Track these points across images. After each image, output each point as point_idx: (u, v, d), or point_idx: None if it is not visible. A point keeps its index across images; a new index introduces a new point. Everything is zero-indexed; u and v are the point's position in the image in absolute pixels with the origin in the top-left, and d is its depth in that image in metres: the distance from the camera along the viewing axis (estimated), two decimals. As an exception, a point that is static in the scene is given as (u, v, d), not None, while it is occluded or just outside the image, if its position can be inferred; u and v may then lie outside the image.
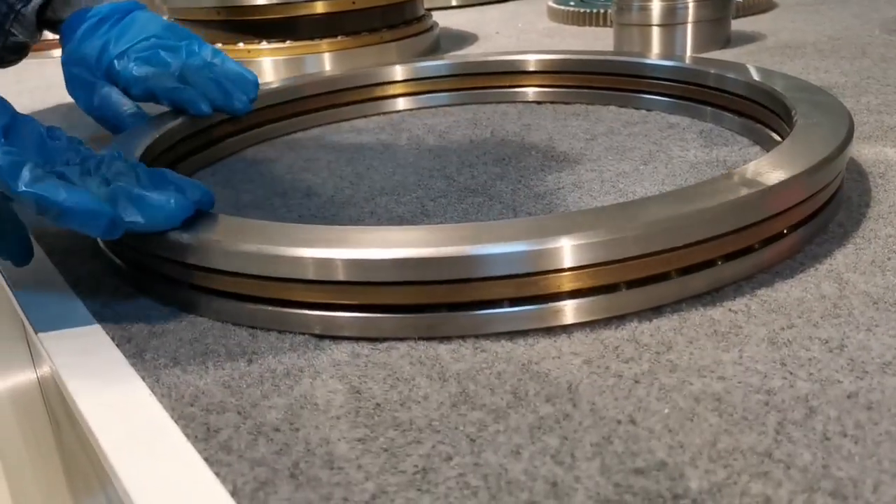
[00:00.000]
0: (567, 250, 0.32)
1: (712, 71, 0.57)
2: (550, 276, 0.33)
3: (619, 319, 0.34)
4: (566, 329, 0.33)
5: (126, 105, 0.59)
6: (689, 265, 0.34)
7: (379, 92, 0.69)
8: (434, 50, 0.94)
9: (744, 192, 0.35)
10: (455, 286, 0.33)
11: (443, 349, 0.33)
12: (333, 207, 0.49)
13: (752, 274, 0.36)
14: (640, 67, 0.63)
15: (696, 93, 0.59)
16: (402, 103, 0.69)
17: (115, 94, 0.59)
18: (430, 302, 0.33)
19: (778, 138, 0.51)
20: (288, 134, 0.65)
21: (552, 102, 0.67)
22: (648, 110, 0.63)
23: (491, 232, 0.33)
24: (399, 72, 0.69)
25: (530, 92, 0.68)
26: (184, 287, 0.37)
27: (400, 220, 0.46)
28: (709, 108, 0.58)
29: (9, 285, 0.41)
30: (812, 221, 0.39)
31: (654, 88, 0.62)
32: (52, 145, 0.36)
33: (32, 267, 0.41)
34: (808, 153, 0.39)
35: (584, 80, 0.66)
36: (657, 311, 0.34)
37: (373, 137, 0.63)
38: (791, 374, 0.29)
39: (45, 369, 0.36)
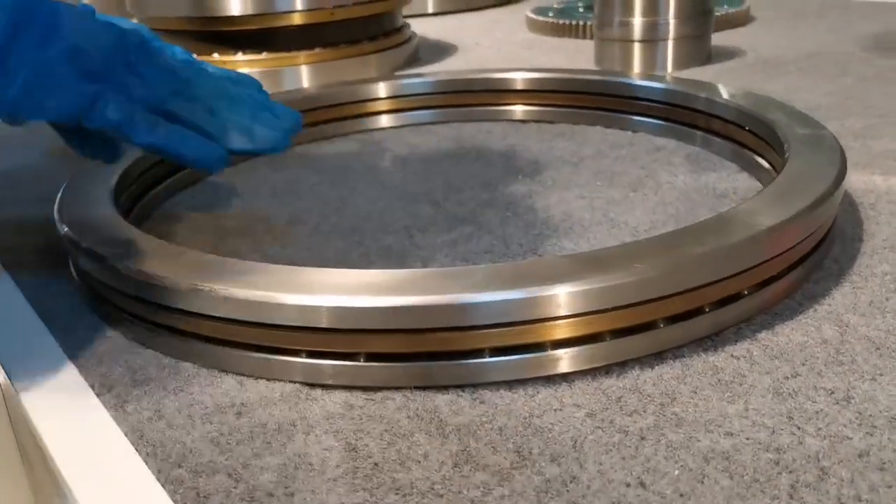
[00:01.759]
0: (563, 298, 0.31)
1: (701, 95, 0.57)
2: (547, 323, 0.32)
3: (620, 366, 0.33)
4: (566, 377, 0.32)
5: None
6: (689, 310, 0.34)
7: (360, 109, 0.67)
8: (413, 61, 0.92)
9: (743, 235, 0.34)
10: (449, 334, 0.32)
11: (440, 400, 0.31)
12: (319, 237, 0.48)
13: (753, 315, 0.36)
14: (627, 88, 0.62)
15: (683, 115, 0.59)
16: (384, 121, 0.68)
17: None
18: (423, 350, 0.32)
19: (765, 164, 0.51)
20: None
21: (537, 121, 0.66)
22: (634, 131, 0.62)
23: (484, 278, 0.32)
24: (380, 89, 0.67)
25: (515, 110, 0.67)
26: (167, 331, 0.35)
27: (388, 252, 0.45)
28: (696, 132, 0.58)
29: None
30: (810, 259, 0.38)
31: (640, 110, 0.62)
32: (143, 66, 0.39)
33: (1, 301, 0.40)
34: (804, 190, 0.38)
35: (570, 100, 0.65)
36: (659, 356, 0.33)
37: (356, 158, 0.61)
38: (799, 429, 0.29)
39: (17, 416, 0.35)
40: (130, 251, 0.37)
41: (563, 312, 0.31)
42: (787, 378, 0.31)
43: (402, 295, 0.31)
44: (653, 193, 0.50)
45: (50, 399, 0.33)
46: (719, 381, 0.32)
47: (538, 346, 0.32)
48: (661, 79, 0.61)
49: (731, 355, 0.33)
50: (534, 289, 0.31)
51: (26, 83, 0.35)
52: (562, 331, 0.32)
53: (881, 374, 0.31)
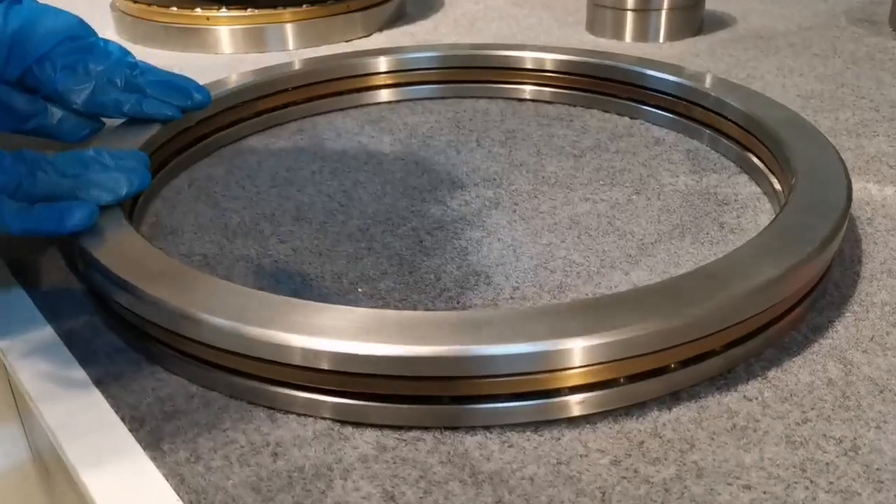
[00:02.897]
0: (577, 352, 0.32)
1: (710, 94, 0.56)
2: (563, 372, 0.33)
3: (639, 407, 0.34)
4: (588, 419, 0.34)
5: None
6: (703, 352, 0.35)
7: (355, 84, 0.66)
8: (400, 16, 0.90)
9: (753, 284, 0.35)
10: (472, 381, 0.33)
11: (470, 443, 0.33)
12: (327, 239, 0.48)
13: (762, 350, 0.37)
14: (637, 76, 0.61)
15: (687, 109, 0.59)
16: (379, 96, 0.67)
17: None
18: (448, 394, 0.33)
19: (762, 166, 0.52)
20: (264, 130, 0.62)
21: (533, 101, 0.66)
22: (632, 118, 0.62)
23: (502, 327, 0.33)
24: (378, 63, 0.66)
25: (512, 88, 0.67)
26: (194, 359, 0.36)
27: (399, 260, 0.45)
28: (700, 128, 0.58)
29: None
30: (815, 290, 0.40)
31: (643, 98, 0.62)
32: None
33: (19, 320, 0.39)
34: (811, 229, 0.39)
35: (568, 81, 0.65)
36: (675, 396, 0.35)
37: (354, 140, 0.61)
38: (812, 483, 0.30)
39: (46, 451, 0.35)
40: (154, 277, 0.37)
41: (577, 363, 0.33)
42: (798, 424, 0.33)
43: (428, 345, 0.32)
44: (655, 197, 0.51)
45: (85, 438, 0.33)
46: (734, 426, 0.33)
47: (557, 392, 0.33)
48: (667, 69, 0.61)
49: (744, 396, 0.35)
50: (549, 342, 0.32)
51: None
52: (578, 378, 0.33)
53: (885, 422, 0.33)
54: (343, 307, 0.35)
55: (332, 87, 0.66)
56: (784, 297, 0.37)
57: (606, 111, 0.64)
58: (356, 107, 0.66)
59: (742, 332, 0.36)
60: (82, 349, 0.38)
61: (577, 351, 0.32)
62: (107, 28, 0.89)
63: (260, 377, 0.34)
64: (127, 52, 0.55)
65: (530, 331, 0.32)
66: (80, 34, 0.54)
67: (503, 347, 0.32)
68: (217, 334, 0.34)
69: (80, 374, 0.37)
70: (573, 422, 0.34)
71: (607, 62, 0.63)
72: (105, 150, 0.46)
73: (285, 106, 0.64)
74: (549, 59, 0.65)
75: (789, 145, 0.48)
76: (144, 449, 0.33)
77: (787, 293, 0.37)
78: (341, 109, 0.66)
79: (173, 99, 0.54)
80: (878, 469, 0.31)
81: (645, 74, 0.61)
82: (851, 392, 0.35)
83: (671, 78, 0.59)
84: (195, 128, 0.57)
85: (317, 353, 0.32)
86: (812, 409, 0.34)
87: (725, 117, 0.55)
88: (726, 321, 0.35)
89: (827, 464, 0.31)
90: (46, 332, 0.40)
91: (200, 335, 0.34)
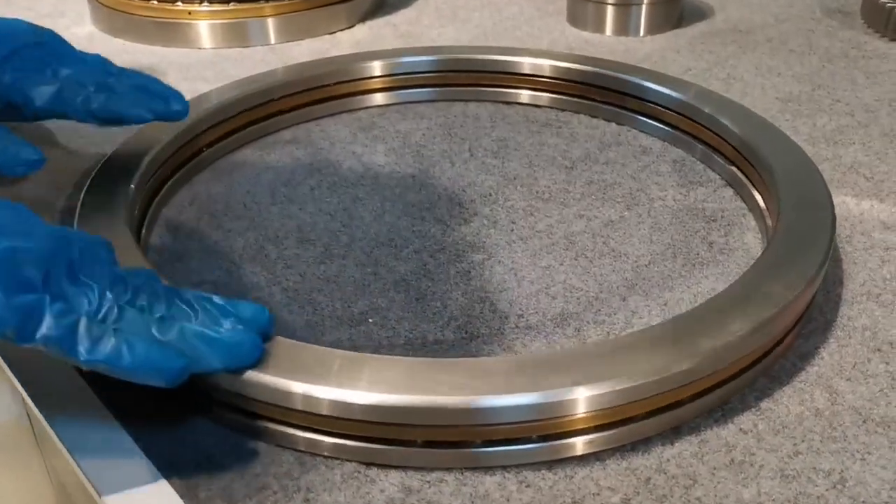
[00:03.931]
0: (584, 401, 0.35)
1: (704, 109, 0.58)
2: (575, 417, 0.35)
3: (644, 443, 0.37)
4: (598, 455, 0.36)
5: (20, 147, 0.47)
6: (702, 390, 0.37)
7: (344, 90, 0.67)
8: (382, 5, 0.90)
9: (748, 327, 0.37)
10: (489, 427, 0.35)
11: (490, 483, 0.35)
12: (333, 264, 0.49)
13: (755, 380, 0.40)
14: (620, 83, 0.63)
15: (672, 118, 0.61)
16: (368, 101, 0.68)
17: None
18: (468, 440, 0.35)
19: (744, 178, 0.54)
20: (257, 140, 0.63)
21: (521, 104, 0.68)
22: (619, 124, 0.64)
23: (513, 378, 0.35)
24: (364, 69, 0.67)
25: (501, 92, 0.68)
26: (226, 407, 0.37)
27: (406, 286, 0.47)
28: (689, 140, 0.60)
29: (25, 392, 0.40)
30: (803, 317, 0.42)
31: (630, 105, 0.63)
32: (85, 273, 0.34)
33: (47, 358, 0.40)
34: (799, 264, 0.41)
35: (558, 87, 0.66)
36: (676, 430, 0.37)
37: (348, 151, 0.62)
38: (805, 517, 0.33)
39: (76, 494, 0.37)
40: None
41: (584, 410, 0.35)
42: (790, 457, 0.36)
43: (447, 395, 0.34)
44: (646, 213, 0.53)
45: (119, 483, 0.35)
46: (732, 460, 0.36)
47: (568, 434, 0.36)
48: (660, 80, 0.62)
49: (740, 429, 0.38)
50: (555, 392, 0.34)
51: None
52: (586, 421, 0.36)
53: (869, 453, 0.36)
54: (366, 357, 0.36)
55: (320, 93, 0.66)
56: (778, 333, 0.39)
57: (594, 116, 0.65)
58: (346, 111, 0.67)
59: (739, 367, 0.38)
60: (113, 393, 0.40)
61: (583, 400, 0.35)
62: (83, 18, 0.87)
63: (290, 423, 0.36)
64: (106, 61, 0.52)
65: (540, 381, 0.35)
66: (48, 41, 0.51)
67: (515, 398, 0.34)
68: (249, 386, 0.36)
69: (111, 419, 0.38)
70: (584, 459, 0.36)
71: (598, 70, 0.64)
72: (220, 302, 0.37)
73: (275, 115, 0.64)
74: (541, 64, 0.66)
75: (778, 177, 0.49)
76: (182, 497, 0.34)
77: (781, 328, 0.39)
78: (331, 115, 0.67)
79: (148, 102, 0.50)
80: (863, 501, 0.34)
81: (637, 85, 0.62)
82: (837, 423, 0.38)
83: (664, 90, 0.61)
84: (190, 144, 0.58)
85: (347, 406, 0.34)
86: (803, 440, 0.37)
87: (718, 135, 0.57)
88: (726, 361, 0.37)
89: (818, 497, 0.34)
90: (78, 381, 0.40)
91: (233, 386, 0.36)
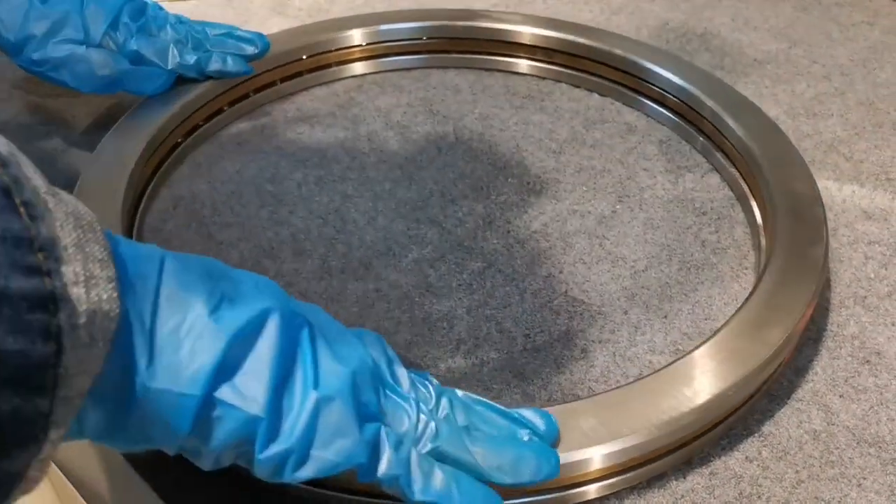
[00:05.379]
0: (595, 460, 0.36)
1: (707, 102, 0.57)
2: (593, 470, 0.37)
3: (658, 479, 0.39)
4: (617, 495, 0.38)
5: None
6: (708, 428, 0.39)
7: (318, 62, 0.64)
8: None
9: (760, 356, 0.39)
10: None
11: (518, 532, 0.37)
12: (334, 280, 0.49)
13: (756, 402, 0.42)
14: (603, 55, 0.62)
15: (656, 94, 0.60)
16: (345, 71, 0.65)
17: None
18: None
19: (730, 167, 0.55)
20: (232, 123, 0.61)
21: (500, 71, 0.66)
22: (602, 95, 0.63)
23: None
24: (340, 39, 0.64)
25: (480, 59, 0.66)
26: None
27: (410, 304, 0.47)
28: (667, 113, 0.60)
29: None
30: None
31: (614, 78, 0.62)
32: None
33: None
34: (792, 299, 0.42)
35: (532, 53, 0.65)
36: (688, 463, 0.40)
37: (330, 136, 0.60)
38: (810, 551, 0.36)
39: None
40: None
41: (602, 466, 0.37)
42: (794, 486, 0.39)
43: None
44: (637, 207, 0.54)
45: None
46: (741, 493, 0.38)
47: (588, 482, 0.38)
48: (646, 54, 0.61)
49: (746, 457, 0.40)
50: (570, 454, 0.35)
51: (305, 432, 0.27)
52: (604, 471, 0.37)
53: (864, 478, 0.39)
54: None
55: (294, 67, 0.63)
56: (773, 369, 0.41)
57: (577, 86, 0.64)
58: (321, 84, 0.65)
59: (744, 399, 0.40)
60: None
61: (599, 458, 0.36)
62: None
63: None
64: (160, 7, 0.57)
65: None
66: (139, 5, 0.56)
67: None
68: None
69: (141, 484, 0.38)
70: (605, 500, 0.38)
71: (583, 41, 0.63)
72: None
73: (247, 96, 0.62)
74: (521, 31, 0.64)
75: (767, 176, 0.50)
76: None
77: (782, 359, 0.41)
78: (306, 89, 0.64)
79: (242, 51, 0.57)
80: (861, 531, 0.37)
81: (623, 59, 0.61)
82: (834, 445, 0.40)
83: (649, 65, 0.60)
84: (168, 138, 0.55)
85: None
86: (804, 467, 0.39)
87: (713, 124, 0.56)
88: (736, 400, 0.39)
89: (820, 529, 0.37)
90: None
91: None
